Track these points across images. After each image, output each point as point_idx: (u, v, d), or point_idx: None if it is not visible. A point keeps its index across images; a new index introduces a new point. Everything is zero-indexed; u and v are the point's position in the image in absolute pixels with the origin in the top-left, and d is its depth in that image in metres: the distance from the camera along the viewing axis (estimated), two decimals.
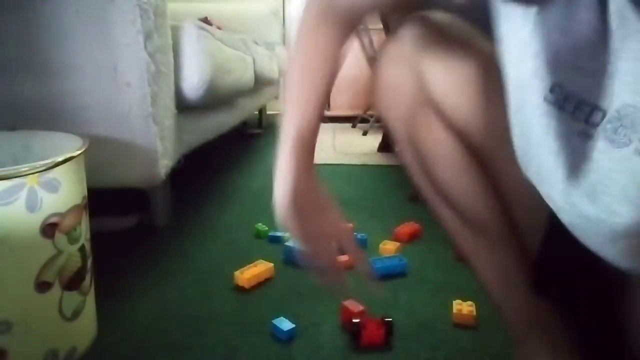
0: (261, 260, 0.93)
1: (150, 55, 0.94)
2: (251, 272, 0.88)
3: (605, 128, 0.34)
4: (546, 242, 0.52)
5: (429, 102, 0.53)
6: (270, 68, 2.03)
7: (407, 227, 1.12)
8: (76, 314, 0.64)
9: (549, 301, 0.55)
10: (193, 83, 1.11)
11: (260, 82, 1.84)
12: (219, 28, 1.62)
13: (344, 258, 0.98)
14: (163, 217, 1.17)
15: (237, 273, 0.88)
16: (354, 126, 3.04)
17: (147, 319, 0.78)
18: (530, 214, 0.53)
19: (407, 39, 0.53)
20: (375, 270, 0.92)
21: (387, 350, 0.70)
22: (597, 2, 0.34)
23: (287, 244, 1.00)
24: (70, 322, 0.63)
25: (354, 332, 0.72)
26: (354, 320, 0.73)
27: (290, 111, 0.53)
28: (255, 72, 1.71)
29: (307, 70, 0.56)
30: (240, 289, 0.87)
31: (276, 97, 2.75)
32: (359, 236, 1.07)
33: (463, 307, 0.77)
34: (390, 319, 0.72)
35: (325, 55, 0.55)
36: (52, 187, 0.58)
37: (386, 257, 0.97)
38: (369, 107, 2.94)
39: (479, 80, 0.50)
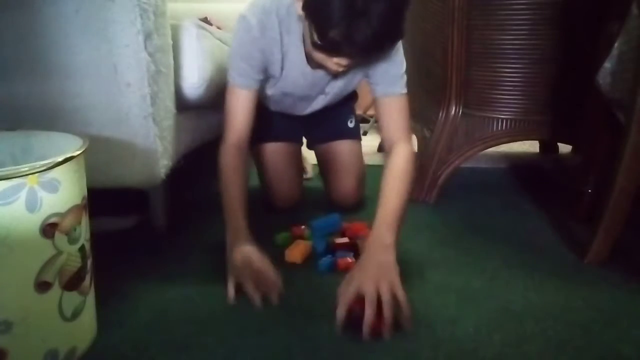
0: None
1: (150, 55, 0.94)
2: None
3: None
4: None
5: None
6: None
7: None
8: (76, 314, 0.64)
9: None
10: (193, 82, 1.11)
11: None
12: (219, 28, 1.62)
13: (348, 260, 0.99)
14: (163, 217, 1.16)
15: None
16: None
17: (147, 319, 0.78)
18: None
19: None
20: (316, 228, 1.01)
21: (387, 350, 0.69)
22: None
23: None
24: (70, 322, 0.63)
25: (353, 322, 0.72)
26: (353, 313, 0.73)
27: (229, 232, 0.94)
28: None
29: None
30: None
31: None
32: (332, 219, 1.08)
33: None
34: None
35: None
36: (52, 187, 0.58)
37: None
38: (369, 107, 2.94)
39: None
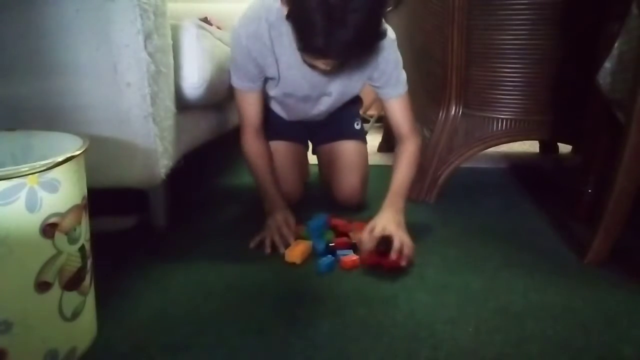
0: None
1: (150, 55, 0.94)
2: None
3: None
4: None
5: None
6: None
7: None
8: (76, 314, 0.64)
9: None
10: (193, 82, 1.11)
11: None
12: (219, 28, 1.62)
13: (352, 258, 0.99)
14: (163, 217, 1.16)
15: None
16: None
17: (147, 318, 0.78)
18: None
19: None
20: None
21: (388, 350, 0.70)
22: None
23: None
24: (70, 322, 0.63)
25: (379, 260, 0.93)
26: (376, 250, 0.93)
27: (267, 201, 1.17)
28: None
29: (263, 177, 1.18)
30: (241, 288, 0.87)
31: None
32: (322, 217, 1.09)
33: None
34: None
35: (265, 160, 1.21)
36: (52, 187, 0.58)
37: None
38: (369, 107, 2.93)
39: None
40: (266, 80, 1.16)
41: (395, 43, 1.12)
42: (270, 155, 1.23)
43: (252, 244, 1.06)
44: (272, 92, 1.20)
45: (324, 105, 1.26)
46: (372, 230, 0.98)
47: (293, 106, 1.27)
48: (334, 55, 0.93)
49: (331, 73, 1.08)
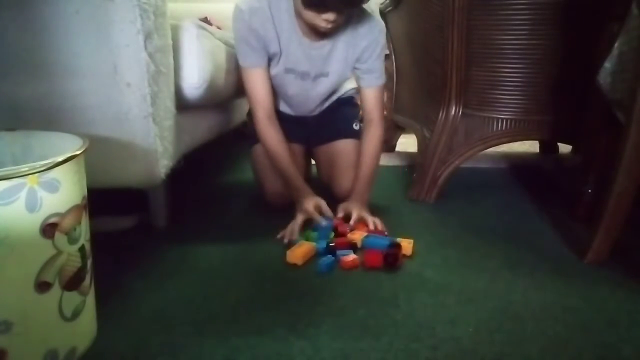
0: None
1: (150, 55, 0.94)
2: None
3: None
4: None
5: None
6: None
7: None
8: (76, 314, 0.64)
9: None
10: (193, 83, 1.11)
11: None
12: (219, 28, 1.62)
13: (352, 257, 0.99)
14: (163, 217, 1.16)
15: None
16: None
17: (147, 318, 0.78)
18: None
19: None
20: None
21: (388, 350, 0.69)
22: None
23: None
24: (70, 322, 0.63)
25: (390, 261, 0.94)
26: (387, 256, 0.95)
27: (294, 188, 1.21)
28: None
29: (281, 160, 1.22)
30: (240, 288, 0.87)
31: None
32: (330, 222, 1.11)
33: None
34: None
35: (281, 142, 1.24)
36: (52, 187, 0.58)
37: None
38: None
39: None
40: (268, 59, 1.23)
41: (385, 33, 1.28)
42: (285, 141, 1.25)
43: (284, 237, 1.09)
44: (274, 70, 1.26)
45: (323, 86, 1.32)
46: (345, 211, 1.15)
47: (293, 85, 1.30)
48: (334, 5, 1.05)
49: (332, 32, 1.17)
